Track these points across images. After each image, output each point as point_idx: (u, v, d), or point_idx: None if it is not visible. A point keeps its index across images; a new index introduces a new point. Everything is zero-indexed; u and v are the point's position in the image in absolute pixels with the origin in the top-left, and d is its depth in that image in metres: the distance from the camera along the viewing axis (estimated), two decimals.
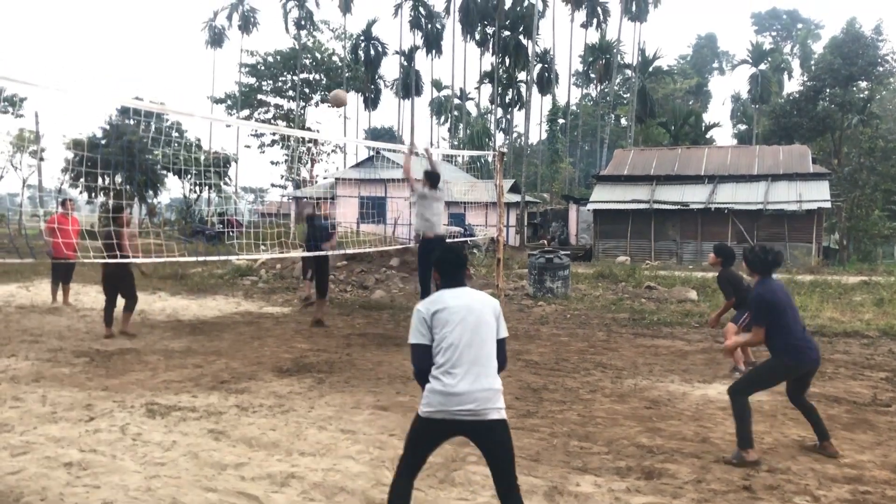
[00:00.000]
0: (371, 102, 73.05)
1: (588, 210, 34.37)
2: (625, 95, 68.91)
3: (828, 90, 43.91)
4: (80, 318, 11.92)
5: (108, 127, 43.75)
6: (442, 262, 3.98)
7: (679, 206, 30.95)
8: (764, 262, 5.75)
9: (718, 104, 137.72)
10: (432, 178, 10.36)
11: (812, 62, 54.74)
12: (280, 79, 65.54)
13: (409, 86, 70.94)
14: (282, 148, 60.00)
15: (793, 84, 64.22)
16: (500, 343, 3.92)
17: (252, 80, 65.84)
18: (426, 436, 3.80)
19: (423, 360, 3.76)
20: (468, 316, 3.77)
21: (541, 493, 4.68)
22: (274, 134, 58.63)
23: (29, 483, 4.62)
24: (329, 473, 4.90)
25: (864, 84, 44.19)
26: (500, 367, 3.90)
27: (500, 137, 72.52)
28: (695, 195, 31.48)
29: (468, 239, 26.92)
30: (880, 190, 36.94)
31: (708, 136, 57.29)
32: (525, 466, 5.17)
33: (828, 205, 30.06)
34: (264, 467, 5.02)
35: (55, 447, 5.35)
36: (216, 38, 69.86)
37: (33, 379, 7.53)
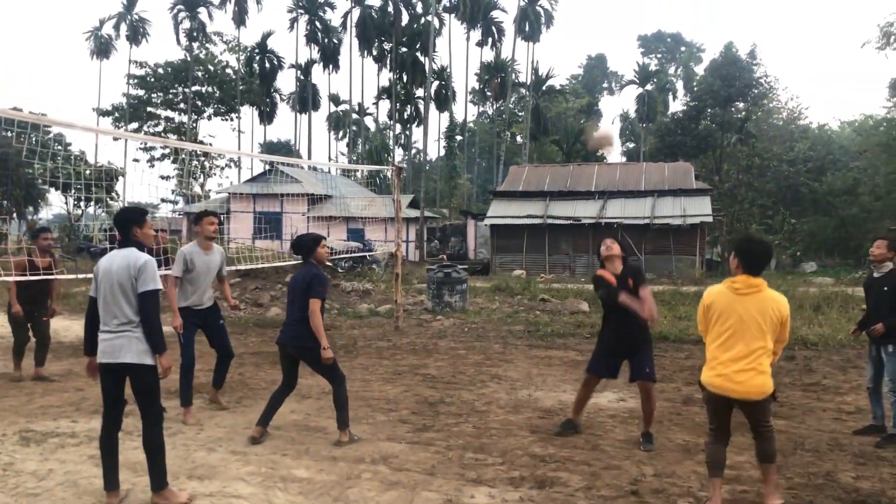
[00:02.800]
0: (266, 116, 71.84)
1: (485, 225, 34.90)
2: (520, 113, 70.57)
3: (709, 110, 46.34)
4: None
5: None
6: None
7: (571, 221, 31.89)
8: None
9: (608, 122, 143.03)
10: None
11: (694, 83, 57.65)
12: (171, 91, 63.53)
13: (305, 100, 70.24)
14: (173, 162, 58.10)
15: (677, 104, 67.56)
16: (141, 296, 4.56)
17: (141, 93, 63.54)
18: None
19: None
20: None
21: None
22: (164, 147, 56.68)
23: None
24: (218, 496, 4.74)
25: (741, 105, 46.86)
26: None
27: (399, 153, 72.74)
28: (586, 210, 32.52)
29: (367, 254, 26.79)
30: (757, 205, 39.21)
31: (598, 153, 59.33)
32: (421, 481, 5.17)
33: (710, 219, 31.66)
34: (149, 493, 4.80)
35: None
36: (102, 49, 66.98)
37: None
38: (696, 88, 51.50)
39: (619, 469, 5.49)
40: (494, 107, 71.91)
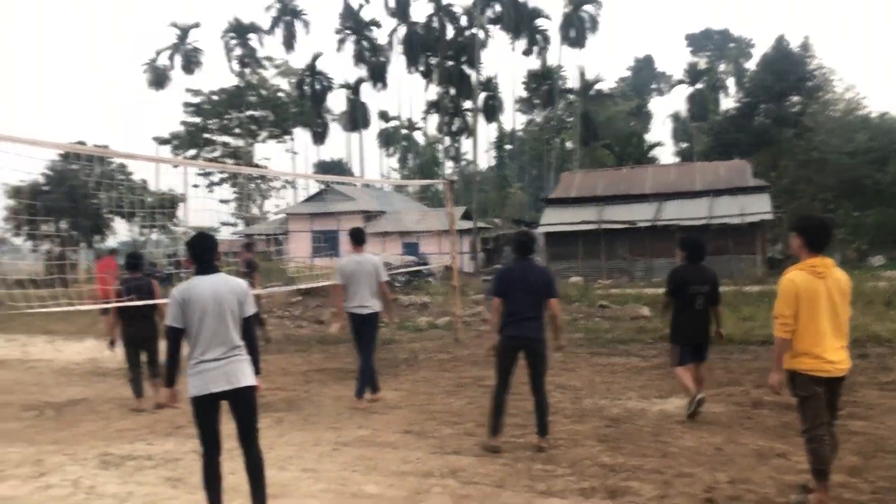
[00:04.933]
0: (319, 136, 72.94)
1: (538, 234, 34.74)
2: (569, 119, 70.11)
3: (762, 106, 45.33)
4: (26, 370, 11.57)
5: (50, 173, 42.79)
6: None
7: (627, 225, 31.50)
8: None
9: (659, 124, 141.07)
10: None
11: (746, 79, 56.50)
12: (226, 117, 65.03)
13: (356, 118, 71.10)
14: (231, 186, 59.38)
15: (729, 101, 66.24)
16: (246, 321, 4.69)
17: (198, 120, 65.21)
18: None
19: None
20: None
21: None
22: (222, 172, 58.03)
23: None
24: None
25: (796, 98, 45.73)
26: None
27: (449, 165, 73.01)
28: (641, 213, 32.09)
29: (422, 268, 26.94)
30: (818, 200, 38.11)
31: (651, 155, 58.54)
32: (490, 493, 5.17)
33: (769, 216, 30.89)
34: None
35: None
36: (159, 79, 69.16)
37: None
38: (747, 84, 50.49)
39: (691, 476, 5.40)
40: (543, 114, 71.65)
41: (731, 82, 75.88)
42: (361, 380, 8.18)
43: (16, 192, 40.67)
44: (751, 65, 70.64)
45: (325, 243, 38.50)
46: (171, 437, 7.04)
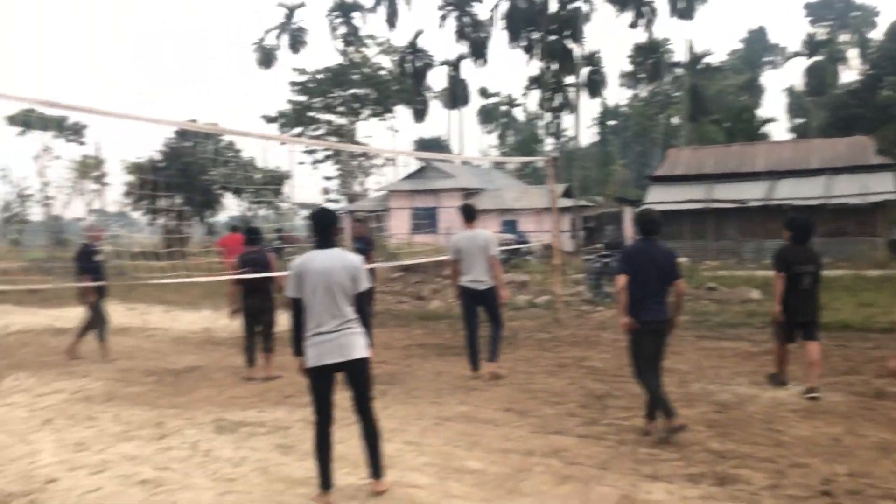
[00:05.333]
0: (419, 114, 73.48)
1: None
2: (675, 94, 67.84)
3: (888, 78, 42.48)
4: (146, 337, 12.24)
5: (166, 150, 44.98)
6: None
7: (737, 205, 30.25)
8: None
9: (772, 99, 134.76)
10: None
11: (870, 50, 53.01)
12: (329, 95, 66.38)
13: (456, 95, 71.18)
14: (334, 163, 60.72)
15: (850, 74, 62.42)
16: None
17: (303, 98, 66.88)
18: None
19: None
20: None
21: (611, 502, 4.61)
22: (326, 149, 59.37)
23: (107, 501, 4.74)
24: (396, 486, 4.90)
25: None
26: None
27: (549, 142, 72.14)
28: (753, 192, 30.71)
29: (521, 246, 26.78)
30: None
31: (763, 131, 55.95)
32: (594, 475, 5.10)
33: (894, 196, 28.98)
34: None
35: (130, 465, 5.48)
36: (266, 58, 71.26)
37: (106, 399, 7.76)
38: (872, 55, 47.38)
39: (807, 467, 5.16)
40: (648, 89, 69.63)
41: (852, 54, 71.40)
42: (493, 345, 8.42)
43: (135, 168, 42.99)
44: (875, 35, 66.26)
45: (425, 220, 38.88)
46: (282, 405, 7.30)
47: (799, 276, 7.44)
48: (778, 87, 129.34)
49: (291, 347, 4.88)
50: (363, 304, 4.84)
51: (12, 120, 56.52)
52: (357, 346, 4.74)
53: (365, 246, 12.19)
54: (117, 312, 13.90)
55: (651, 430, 6.04)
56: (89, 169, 53.53)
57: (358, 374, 4.79)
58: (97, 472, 5.33)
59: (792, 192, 30.10)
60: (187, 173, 41.42)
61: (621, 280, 6.02)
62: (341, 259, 4.75)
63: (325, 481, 4.70)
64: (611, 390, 7.70)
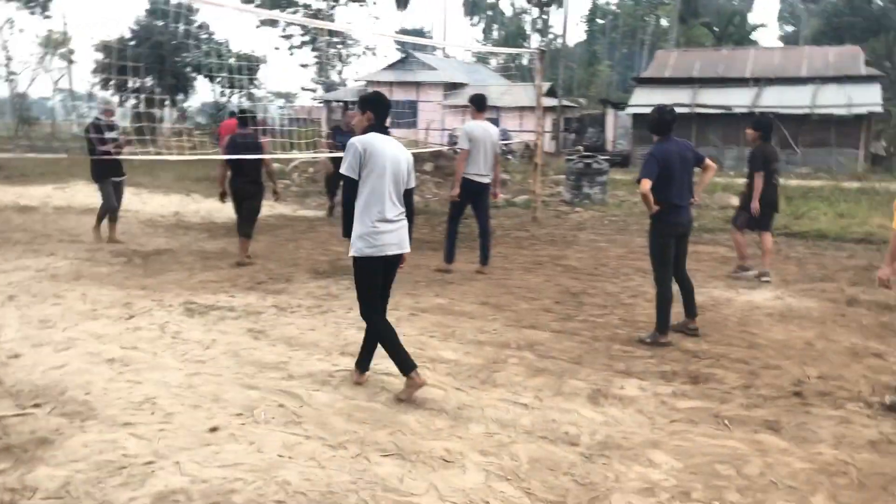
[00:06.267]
0: (402, 1, 70.89)
1: (627, 114, 33.45)
2: None
3: None
4: None
5: (136, 28, 43.12)
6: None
7: (722, 111, 29.92)
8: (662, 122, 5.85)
9: (764, 4, 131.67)
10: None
11: None
12: None
13: None
14: (312, 50, 58.87)
15: None
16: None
17: None
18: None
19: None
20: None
21: (584, 396, 4.60)
22: (304, 34, 57.36)
23: (73, 377, 4.64)
24: (369, 373, 4.84)
25: None
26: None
27: (535, 39, 70.30)
28: (739, 99, 30.34)
29: (503, 143, 26.41)
30: None
31: (753, 37, 54.86)
32: (568, 369, 5.08)
33: (879, 109, 28.79)
34: (305, 366, 4.99)
35: (97, 343, 5.37)
36: None
37: (73, 277, 7.58)
38: None
39: (779, 369, 5.19)
40: None
41: None
42: (484, 248, 8.35)
43: (104, 46, 41.27)
44: None
45: (405, 113, 38.09)
46: (253, 291, 7.18)
47: (772, 172, 8.20)
48: None
49: (342, 228, 4.50)
50: (411, 200, 4.68)
51: None
52: (407, 239, 4.59)
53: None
54: (83, 193, 13.56)
55: (693, 326, 6.01)
56: (56, 44, 51.34)
57: (395, 266, 4.63)
58: (63, 349, 5.21)
59: (778, 99, 29.79)
60: (159, 54, 39.88)
61: (646, 185, 5.68)
62: (403, 150, 4.56)
63: (407, 365, 4.41)
64: (586, 288, 7.67)
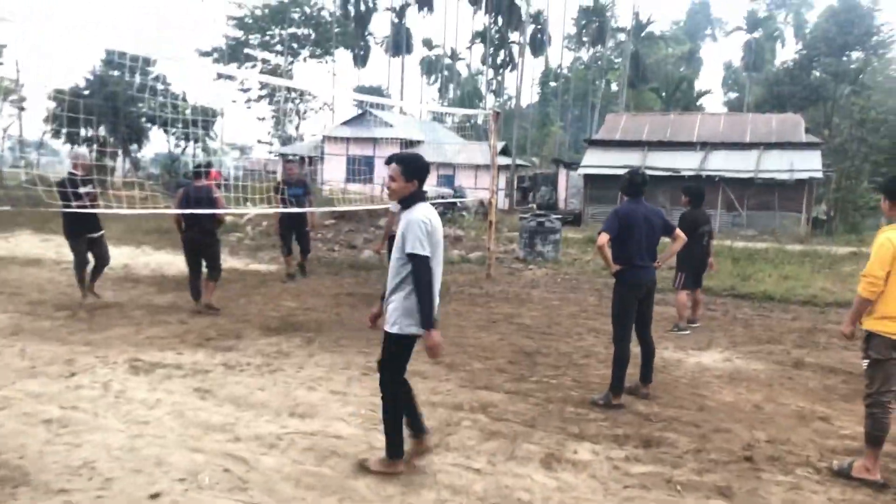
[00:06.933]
0: (360, 59, 71.94)
1: (578, 174, 34.13)
2: (616, 60, 68.25)
3: (822, 59, 43.59)
4: (61, 270, 11.65)
5: (91, 77, 42.82)
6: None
7: (670, 173, 30.75)
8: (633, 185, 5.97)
9: (710, 71, 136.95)
10: None
11: (807, 30, 54.28)
12: (268, 32, 64.26)
13: (399, 43, 69.88)
14: (269, 104, 59.08)
15: (785, 52, 63.93)
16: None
17: (239, 34, 64.53)
18: None
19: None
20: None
21: (537, 460, 4.56)
22: (261, 88, 57.61)
23: (7, 440, 4.43)
24: (319, 436, 4.74)
25: (857, 54, 43.88)
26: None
27: (490, 99, 71.79)
28: (686, 162, 31.27)
29: (458, 200, 26.66)
30: (869, 161, 36.84)
31: (699, 103, 56.94)
32: (521, 432, 5.04)
33: (819, 175, 29.94)
34: (252, 428, 4.86)
35: (34, 403, 5.16)
36: None
37: (11, 332, 7.31)
38: (808, 36, 48.55)
39: (729, 433, 5.22)
40: (591, 52, 69.80)
41: (789, 33, 73.09)
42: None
43: (57, 94, 40.77)
44: (812, 16, 67.93)
45: (362, 168, 38.26)
46: (201, 348, 7.01)
47: (701, 235, 8.99)
48: (716, 60, 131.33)
49: (425, 314, 4.00)
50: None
51: None
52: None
53: (304, 191, 11.62)
54: (30, 243, 13.20)
55: (647, 392, 6.06)
56: (6, 92, 50.55)
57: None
58: None
59: (724, 163, 30.79)
60: (113, 104, 39.57)
61: (603, 239, 5.77)
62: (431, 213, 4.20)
63: (400, 450, 4.28)
64: (540, 348, 7.68)
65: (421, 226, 3.97)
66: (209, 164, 9.54)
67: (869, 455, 4.47)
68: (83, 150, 10.26)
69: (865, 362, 4.55)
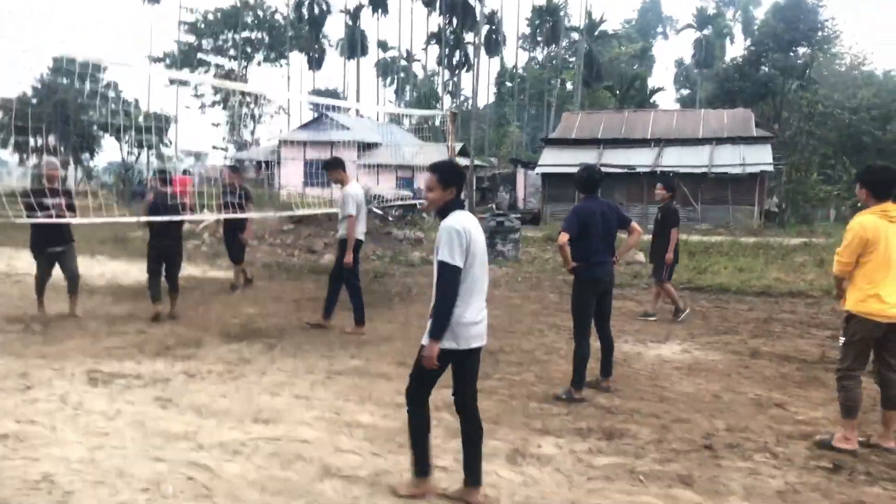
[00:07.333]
0: (315, 62, 71.55)
1: (536, 174, 34.40)
2: (571, 59, 68.93)
3: (770, 55, 44.59)
4: (12, 283, 11.38)
5: (39, 86, 41.87)
6: None
7: (626, 170, 31.18)
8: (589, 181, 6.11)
9: (662, 69, 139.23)
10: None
11: (755, 27, 55.50)
12: (221, 37, 63.57)
13: (354, 46, 69.67)
14: (223, 109, 58.38)
15: (735, 49, 65.29)
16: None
17: (192, 39, 63.71)
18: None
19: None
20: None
21: (503, 456, 4.60)
22: (216, 93, 56.93)
23: None
24: (284, 440, 4.72)
25: (803, 50, 44.99)
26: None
27: (447, 100, 71.94)
28: (641, 158, 31.75)
29: (417, 202, 26.63)
30: (818, 154, 37.86)
31: (652, 100, 57.81)
32: (486, 430, 5.05)
33: (770, 168, 30.64)
34: (216, 436, 4.81)
35: None
36: None
37: None
38: (756, 32, 49.64)
39: (689, 423, 5.33)
40: (545, 52, 70.39)
41: (738, 30, 74.65)
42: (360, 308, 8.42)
43: (3, 104, 39.80)
44: (759, 13, 69.45)
45: (319, 171, 37.99)
46: (161, 357, 6.91)
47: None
48: (668, 57, 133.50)
49: (436, 327, 3.85)
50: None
51: None
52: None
53: (244, 197, 11.10)
54: None
55: (609, 385, 6.15)
56: None
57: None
58: None
59: (678, 159, 31.32)
60: (63, 112, 38.75)
61: (564, 238, 5.86)
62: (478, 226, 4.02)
63: (426, 468, 4.07)
64: (502, 346, 7.73)
65: (454, 234, 3.76)
66: (169, 171, 9.47)
67: (846, 425, 4.75)
68: (53, 159, 9.66)
69: (842, 339, 4.84)
